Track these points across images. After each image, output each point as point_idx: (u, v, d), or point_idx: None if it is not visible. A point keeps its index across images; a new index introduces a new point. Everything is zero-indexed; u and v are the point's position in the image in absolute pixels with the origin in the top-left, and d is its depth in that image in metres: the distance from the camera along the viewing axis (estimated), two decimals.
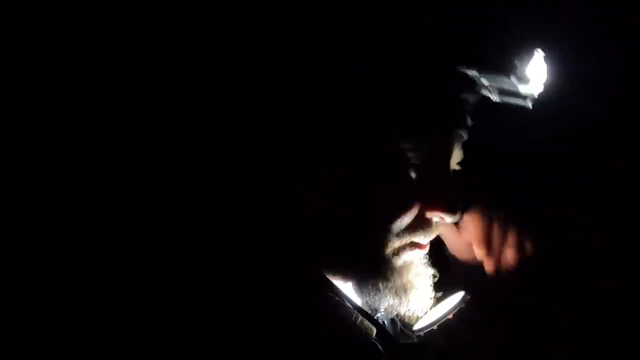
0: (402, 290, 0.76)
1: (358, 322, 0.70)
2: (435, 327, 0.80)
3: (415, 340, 0.82)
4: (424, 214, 0.75)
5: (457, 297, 0.82)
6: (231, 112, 0.76)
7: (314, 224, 0.74)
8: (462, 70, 0.73)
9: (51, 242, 0.78)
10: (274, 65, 0.73)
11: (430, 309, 0.82)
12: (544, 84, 0.74)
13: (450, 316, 0.80)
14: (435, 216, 0.76)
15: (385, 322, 0.84)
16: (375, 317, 0.81)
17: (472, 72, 0.73)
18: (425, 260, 0.79)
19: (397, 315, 0.87)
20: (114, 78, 0.81)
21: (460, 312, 0.80)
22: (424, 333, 0.81)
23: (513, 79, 0.72)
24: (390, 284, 0.75)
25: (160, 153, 0.79)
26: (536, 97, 0.75)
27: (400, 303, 0.76)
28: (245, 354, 0.64)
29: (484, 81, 0.74)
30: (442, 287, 0.82)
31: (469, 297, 0.81)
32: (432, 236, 0.78)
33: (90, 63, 0.81)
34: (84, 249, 0.77)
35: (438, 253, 0.83)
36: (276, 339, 0.65)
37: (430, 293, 0.79)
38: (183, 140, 0.78)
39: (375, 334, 0.71)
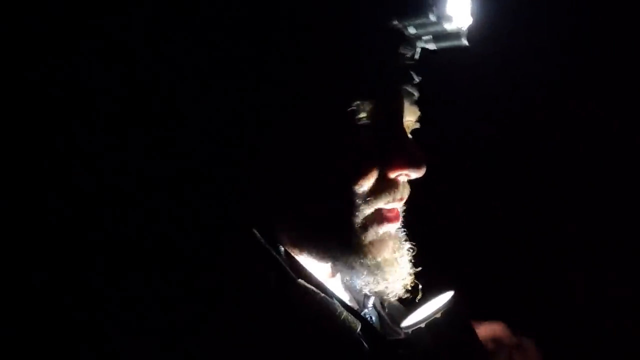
0: (379, 267, 0.74)
1: (342, 316, 0.69)
2: (423, 325, 0.79)
3: (402, 336, 0.81)
4: (387, 175, 0.74)
5: (447, 296, 0.81)
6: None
7: (271, 204, 0.73)
8: (388, 23, 0.73)
9: None
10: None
11: (419, 306, 0.82)
12: (472, 16, 0.75)
13: (439, 315, 0.79)
14: (398, 174, 0.74)
15: (373, 318, 0.84)
16: (361, 313, 0.80)
17: (398, 24, 0.73)
18: (401, 235, 0.78)
19: (383, 309, 0.86)
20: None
21: (449, 312, 0.79)
22: (412, 330, 0.80)
23: (433, 17, 0.72)
24: (365, 261, 0.74)
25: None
26: (466, 31, 0.75)
27: (378, 280, 0.75)
28: (219, 352, 0.63)
29: (412, 30, 0.74)
30: (431, 286, 0.82)
31: (458, 296, 0.80)
32: (400, 199, 0.76)
33: None
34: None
35: (414, 226, 0.80)
36: (254, 336, 0.64)
37: (409, 269, 0.77)
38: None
39: (360, 329, 0.70)
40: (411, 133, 0.80)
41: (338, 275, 0.86)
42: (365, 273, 0.75)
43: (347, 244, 0.73)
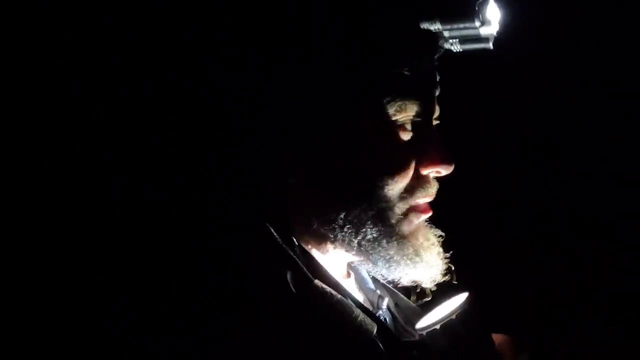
0: (417, 254, 0.77)
1: (359, 319, 0.69)
2: (438, 326, 0.79)
3: (417, 338, 0.81)
4: (420, 172, 0.77)
5: (461, 297, 0.81)
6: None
7: (295, 201, 0.75)
8: (427, 26, 0.75)
9: None
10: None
11: (434, 307, 0.81)
12: (499, 23, 0.78)
13: (454, 317, 0.78)
14: (431, 171, 0.77)
15: (387, 319, 0.84)
16: (376, 314, 0.80)
17: (435, 26, 0.76)
18: (430, 224, 0.81)
19: (397, 310, 0.86)
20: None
21: (464, 313, 0.78)
22: (427, 332, 0.80)
23: (477, 22, 0.75)
24: (404, 250, 0.77)
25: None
26: (495, 35, 0.78)
27: (416, 267, 0.78)
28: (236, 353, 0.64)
29: (446, 33, 0.76)
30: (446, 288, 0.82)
31: (472, 298, 0.80)
32: (432, 195, 0.79)
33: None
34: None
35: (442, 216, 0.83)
36: (272, 337, 0.64)
37: (441, 255, 0.80)
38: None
39: (376, 331, 0.70)
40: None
41: (352, 275, 0.86)
42: (403, 263, 0.77)
43: (389, 238, 0.76)
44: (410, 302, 0.89)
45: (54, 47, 0.82)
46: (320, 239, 0.77)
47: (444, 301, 0.82)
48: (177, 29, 0.81)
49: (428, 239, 0.79)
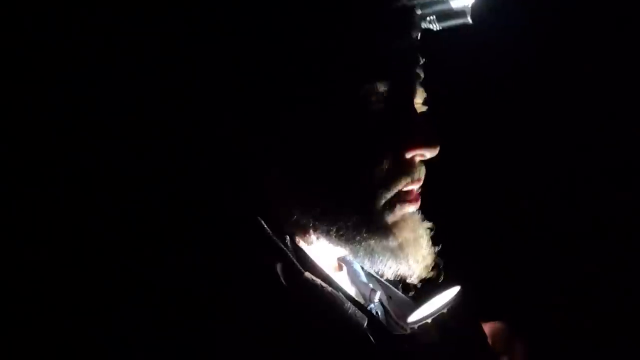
0: (400, 248, 0.75)
1: (349, 311, 0.69)
2: (429, 320, 0.79)
3: (408, 331, 0.81)
4: (403, 155, 0.73)
5: (453, 291, 0.81)
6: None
7: (279, 192, 0.73)
8: (399, 3, 0.73)
9: None
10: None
11: (426, 301, 0.81)
12: None
13: (445, 311, 0.78)
14: (414, 154, 0.74)
15: (379, 313, 0.83)
16: (368, 307, 0.80)
17: (408, 3, 0.73)
18: (420, 215, 0.78)
19: (389, 303, 0.86)
20: None
21: (455, 307, 0.78)
22: (418, 326, 0.80)
23: None
24: (387, 243, 0.74)
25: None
26: (470, 8, 0.76)
27: (401, 262, 0.76)
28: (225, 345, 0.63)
29: (418, 10, 0.74)
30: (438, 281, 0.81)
31: (464, 291, 0.80)
32: (418, 180, 0.75)
33: None
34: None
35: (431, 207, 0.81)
36: (262, 329, 0.63)
37: (429, 248, 0.78)
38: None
39: (367, 324, 0.70)
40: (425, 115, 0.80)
41: (345, 268, 0.86)
42: (387, 256, 0.75)
43: (369, 227, 0.73)
44: (404, 296, 0.88)
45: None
46: (303, 230, 0.74)
47: (436, 294, 0.82)
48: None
49: (415, 232, 0.76)
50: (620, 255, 1.31)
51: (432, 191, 0.80)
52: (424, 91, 0.78)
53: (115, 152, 0.80)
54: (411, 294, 0.87)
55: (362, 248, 0.74)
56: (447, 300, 0.79)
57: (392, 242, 0.74)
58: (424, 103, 0.80)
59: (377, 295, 0.84)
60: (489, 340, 0.82)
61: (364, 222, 0.73)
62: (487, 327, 0.84)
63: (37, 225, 0.77)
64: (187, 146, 0.76)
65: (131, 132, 0.80)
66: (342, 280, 0.81)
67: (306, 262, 0.72)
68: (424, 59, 0.76)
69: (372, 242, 0.74)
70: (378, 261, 0.76)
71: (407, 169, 0.74)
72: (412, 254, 0.76)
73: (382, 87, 0.72)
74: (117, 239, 0.73)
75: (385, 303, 0.86)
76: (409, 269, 0.77)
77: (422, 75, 0.77)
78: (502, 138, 1.35)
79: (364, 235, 0.73)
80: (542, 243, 1.37)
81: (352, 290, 0.82)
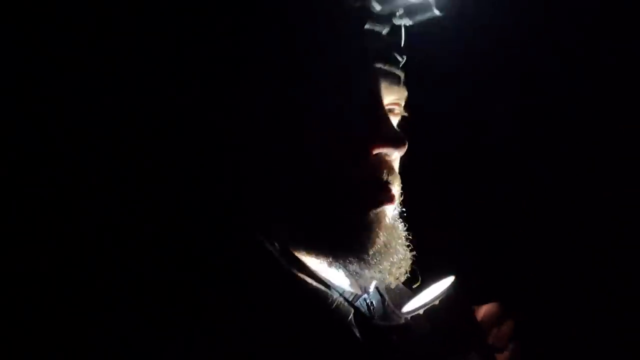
0: (375, 256, 0.74)
1: (334, 305, 0.69)
2: (421, 311, 0.79)
3: (403, 322, 0.81)
4: (370, 153, 0.72)
5: (446, 282, 0.80)
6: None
7: (267, 205, 0.73)
8: (356, 3, 0.72)
9: None
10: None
11: (421, 291, 0.81)
12: None
13: (437, 302, 0.78)
14: (379, 153, 0.73)
15: (374, 303, 0.83)
16: (362, 298, 0.80)
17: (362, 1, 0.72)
18: (397, 219, 0.77)
19: (388, 293, 0.86)
20: None
21: (447, 298, 0.78)
22: (411, 316, 0.80)
23: None
24: (351, 246, 0.73)
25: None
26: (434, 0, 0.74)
27: (378, 270, 0.75)
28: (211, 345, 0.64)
29: (377, 6, 0.73)
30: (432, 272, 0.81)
31: (457, 282, 0.79)
32: (387, 180, 0.74)
33: None
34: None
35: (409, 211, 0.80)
36: (246, 327, 0.64)
37: (406, 254, 0.77)
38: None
39: (354, 317, 0.70)
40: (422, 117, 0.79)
41: None
42: (352, 261, 0.74)
43: (332, 229, 0.73)
44: (403, 286, 0.88)
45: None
46: (280, 227, 0.75)
47: (430, 285, 0.82)
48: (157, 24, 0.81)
49: (390, 236, 0.74)
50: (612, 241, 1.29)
51: (429, 186, 0.80)
52: (404, 90, 0.77)
53: (115, 152, 0.82)
54: (416, 284, 0.86)
55: (325, 251, 0.74)
56: (439, 292, 0.79)
57: (369, 251, 0.73)
58: (407, 103, 0.78)
59: (373, 285, 0.84)
60: (480, 319, 0.82)
61: (327, 224, 0.72)
62: (482, 310, 0.83)
63: (37, 225, 0.80)
64: (181, 148, 0.77)
65: (131, 133, 0.82)
66: (336, 273, 0.81)
67: (293, 259, 0.73)
68: (402, 57, 0.75)
69: (336, 244, 0.73)
70: (345, 266, 0.74)
71: (376, 168, 0.73)
72: (387, 261, 0.75)
73: (341, 86, 0.71)
74: (117, 239, 0.75)
75: (384, 292, 0.86)
76: (387, 275, 0.76)
77: (399, 73, 0.75)
78: (498, 137, 1.32)
79: (329, 238, 0.73)
80: (537, 234, 1.35)
81: (346, 282, 0.82)
